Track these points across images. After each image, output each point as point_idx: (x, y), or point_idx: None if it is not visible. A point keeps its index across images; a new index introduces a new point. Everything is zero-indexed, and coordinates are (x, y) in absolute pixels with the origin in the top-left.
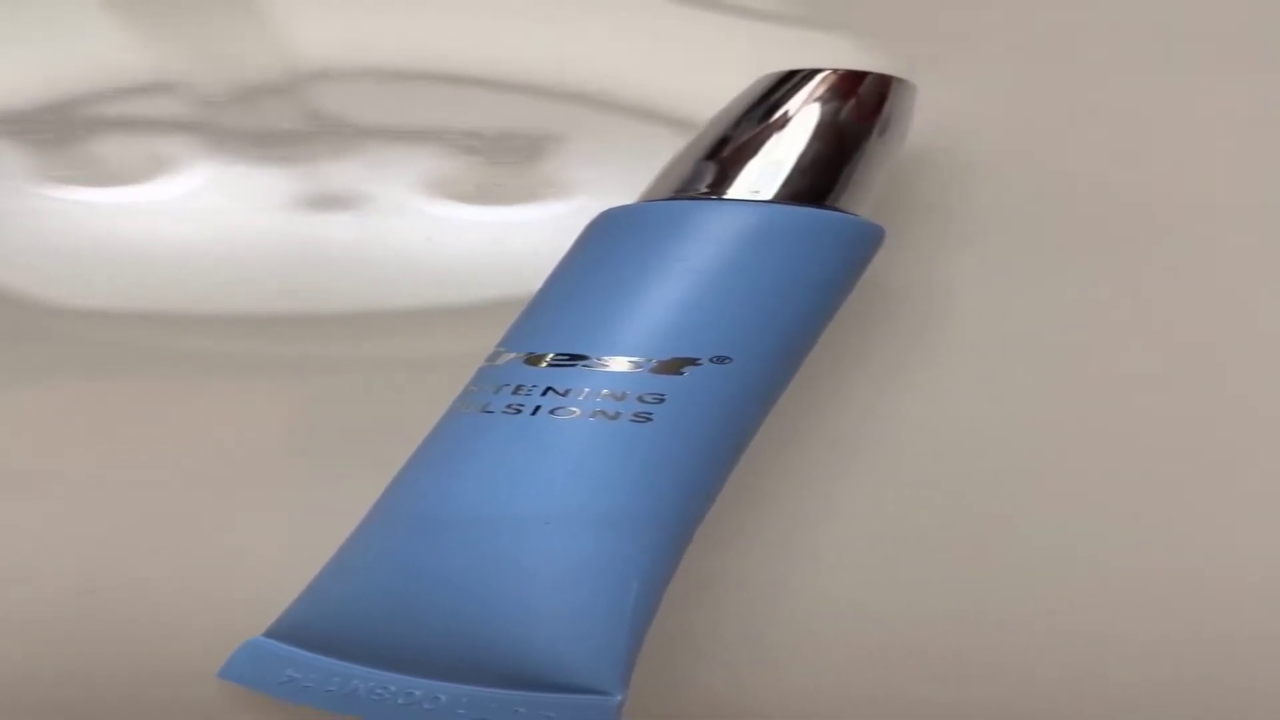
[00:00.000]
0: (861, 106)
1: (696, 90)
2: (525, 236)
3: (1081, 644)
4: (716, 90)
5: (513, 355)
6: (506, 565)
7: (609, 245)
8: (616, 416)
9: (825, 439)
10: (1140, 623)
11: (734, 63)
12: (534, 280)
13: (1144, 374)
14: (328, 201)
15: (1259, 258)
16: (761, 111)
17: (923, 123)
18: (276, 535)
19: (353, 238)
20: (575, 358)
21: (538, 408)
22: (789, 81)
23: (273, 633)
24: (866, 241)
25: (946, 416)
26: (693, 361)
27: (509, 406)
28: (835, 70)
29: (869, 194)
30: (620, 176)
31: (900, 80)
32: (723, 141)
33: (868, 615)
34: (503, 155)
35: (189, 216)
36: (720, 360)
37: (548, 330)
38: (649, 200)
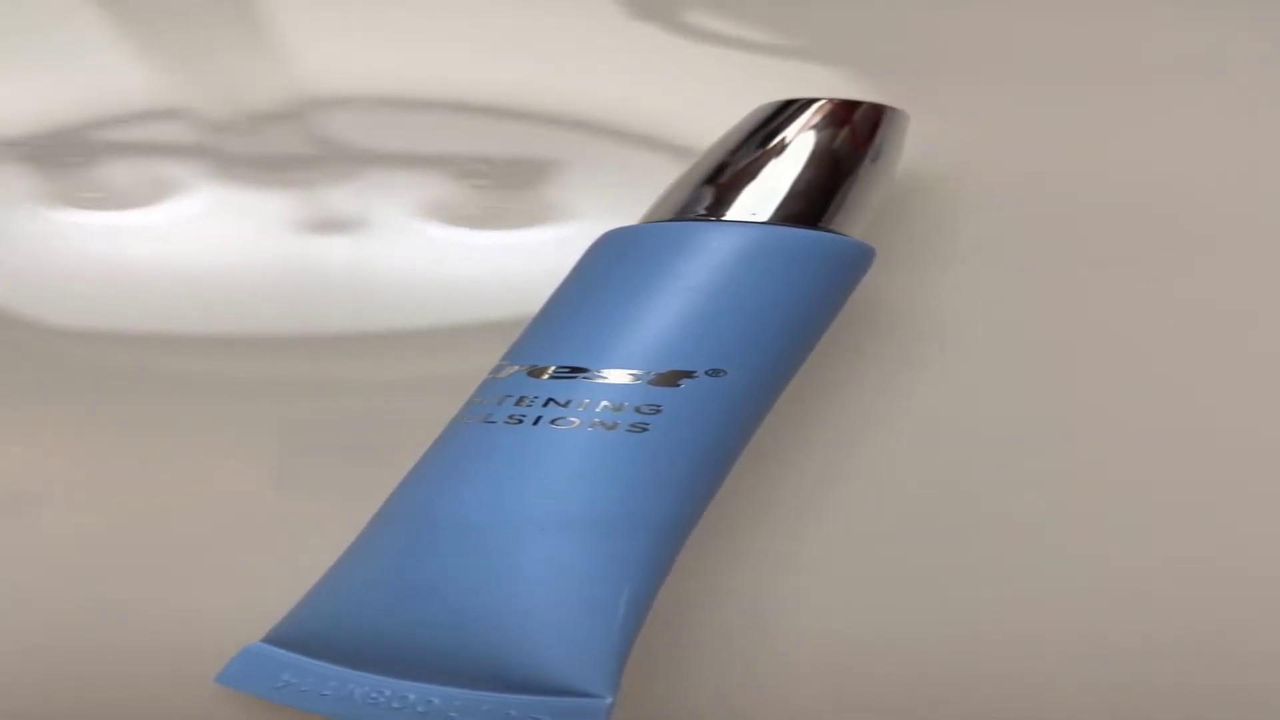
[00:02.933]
0: (855, 134)
1: (694, 118)
2: (524, 260)
3: (1079, 665)
4: (714, 118)
5: (516, 368)
6: (501, 570)
7: (611, 264)
8: (614, 427)
9: (815, 453)
10: (1135, 641)
11: (731, 92)
12: (533, 302)
13: (1134, 394)
14: (330, 225)
15: (1250, 277)
16: (759, 138)
17: (916, 149)
18: (274, 553)
19: (354, 261)
20: (576, 370)
21: (539, 418)
22: (786, 110)
23: (270, 638)
24: (857, 261)
25: (934, 432)
26: (689, 374)
27: (511, 417)
28: (830, 100)
29: (861, 217)
30: (618, 202)
31: (892, 109)
32: (721, 166)
33: (855, 632)
34: (503, 181)
35: (193, 240)
36: (715, 373)
37: (550, 344)
38: (650, 221)
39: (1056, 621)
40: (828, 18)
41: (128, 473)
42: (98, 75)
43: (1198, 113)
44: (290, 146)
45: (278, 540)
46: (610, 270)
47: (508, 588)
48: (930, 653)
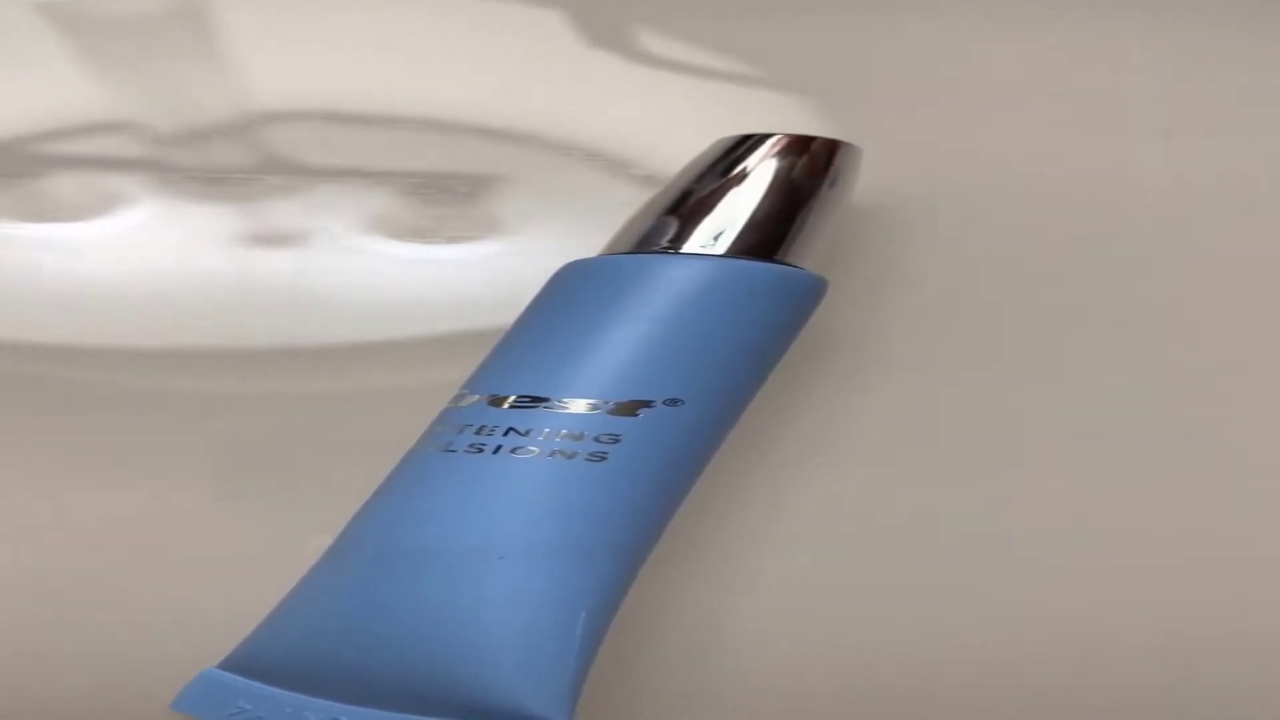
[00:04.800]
0: (810, 168)
1: (640, 136)
2: (467, 275)
3: (1027, 675)
4: (659, 136)
5: (477, 397)
6: (458, 597)
7: (571, 294)
8: (573, 456)
9: (767, 477)
10: (1087, 662)
11: (679, 112)
12: (475, 318)
13: (1078, 428)
14: (274, 240)
15: (1204, 311)
16: (717, 172)
17: (869, 181)
18: (216, 571)
19: (298, 276)
20: (537, 399)
21: (499, 447)
22: (743, 144)
23: (227, 664)
24: (810, 292)
25: (881, 456)
26: (647, 404)
27: (471, 446)
28: (787, 135)
29: (815, 249)
30: (562, 217)
31: (846, 144)
32: (680, 200)
33: (808, 650)
34: (447, 196)
35: (136, 253)
36: (673, 402)
37: (511, 373)
38: (610, 254)
39: (1012, 634)
40: (779, 44)
41: (63, 489)
42: (43, 87)
43: (1162, 142)
44: (235, 160)
45: (218, 558)
46: (570, 301)
47: (465, 615)
48: (884, 668)
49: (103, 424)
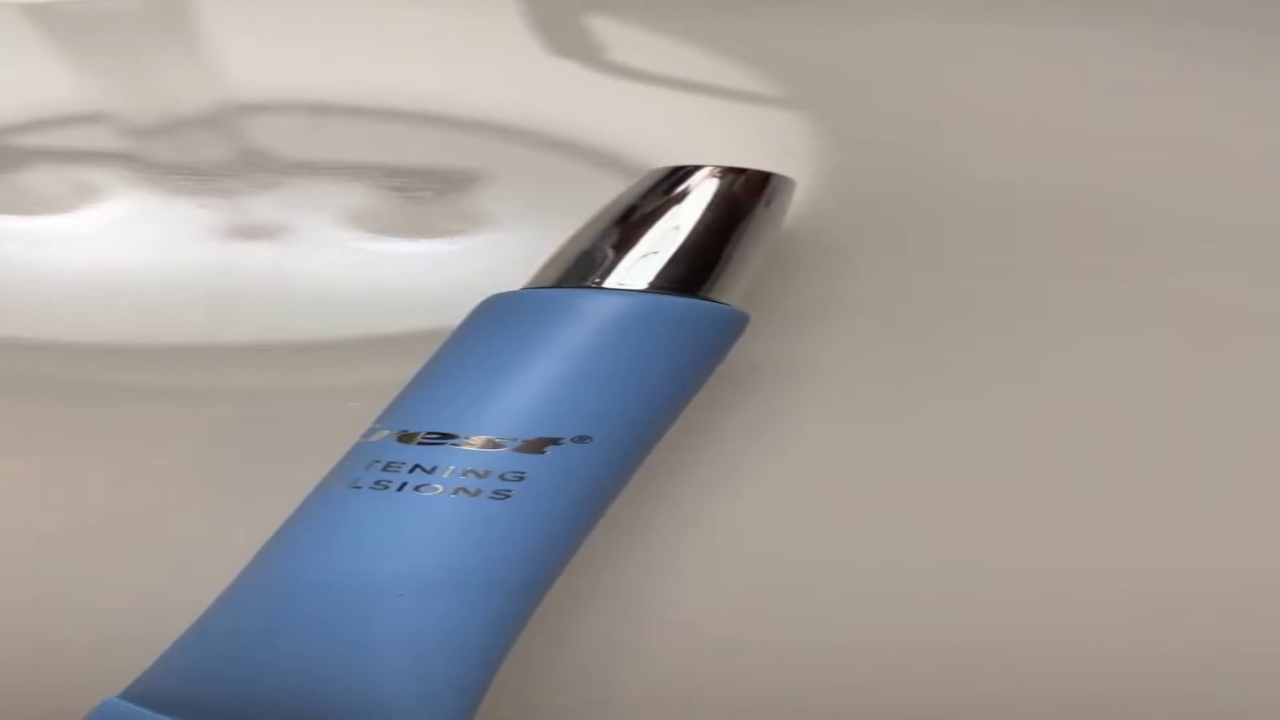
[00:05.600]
0: (740, 201)
1: (620, 132)
2: (443, 270)
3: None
4: (639, 134)
5: (387, 432)
6: (354, 635)
7: (489, 329)
8: (477, 494)
9: (680, 504)
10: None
11: (658, 107)
12: (452, 314)
13: (1010, 459)
14: (252, 233)
15: (1133, 334)
16: (645, 205)
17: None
18: (188, 564)
19: (274, 270)
20: (445, 436)
21: (404, 484)
22: (673, 176)
23: (128, 694)
24: (732, 327)
25: (802, 486)
26: (555, 441)
27: (377, 483)
28: (718, 167)
29: (740, 282)
30: (541, 213)
31: (779, 176)
32: (607, 232)
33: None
34: (427, 190)
35: (112, 247)
36: (581, 439)
37: (422, 409)
38: (532, 287)
39: (949, 640)
40: (757, 44)
41: (38, 484)
42: (20, 79)
43: (1099, 152)
44: (214, 153)
45: (190, 552)
46: (489, 335)
47: (359, 652)
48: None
49: (74, 419)
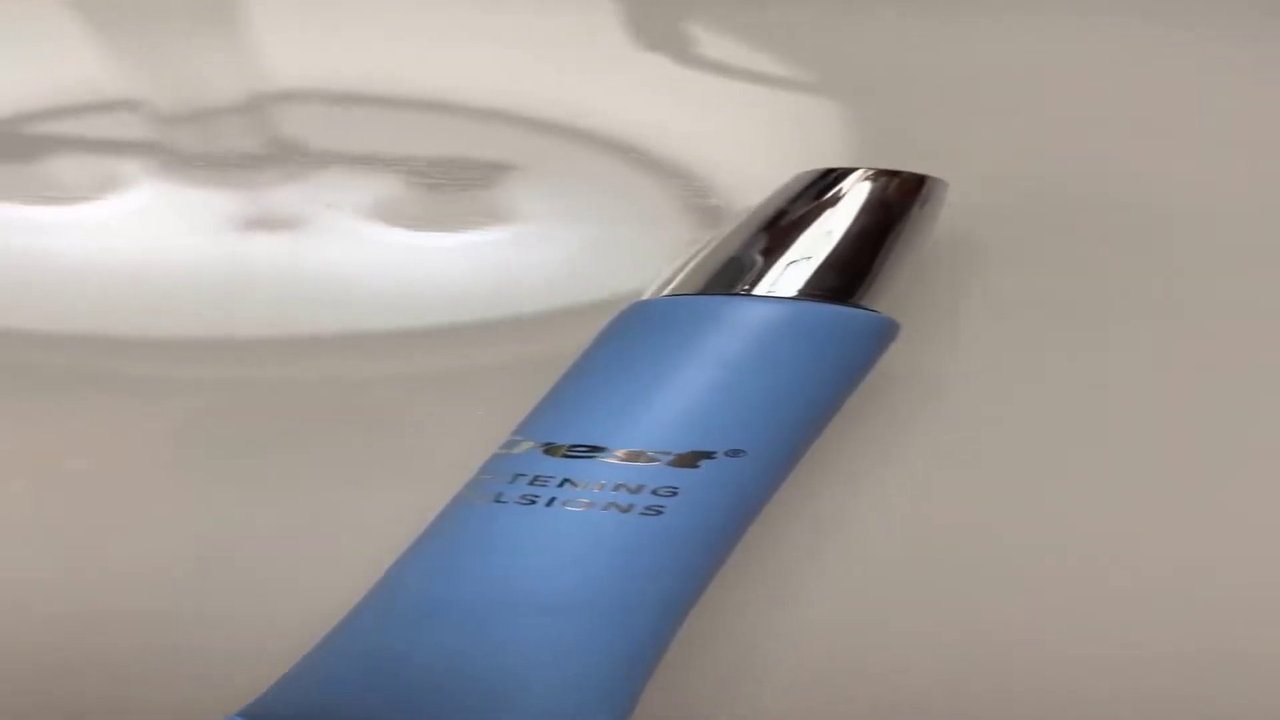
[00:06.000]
0: (894, 204)
1: (654, 125)
2: (467, 264)
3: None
4: (676, 126)
5: (531, 444)
6: (499, 654)
7: (635, 338)
8: (629, 509)
9: (809, 518)
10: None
11: (696, 100)
12: (474, 307)
13: (1137, 476)
14: (275, 225)
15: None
16: (797, 208)
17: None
18: (197, 560)
19: (296, 262)
20: (594, 449)
21: (552, 499)
22: (825, 178)
23: (250, 711)
24: (883, 337)
25: (927, 498)
26: (709, 455)
27: (524, 497)
28: (871, 169)
29: (892, 289)
30: (568, 206)
31: (933, 179)
32: (755, 237)
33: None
34: (453, 182)
35: (130, 237)
36: (734, 454)
37: (568, 420)
38: (678, 294)
39: (1058, 667)
40: (811, 38)
41: (52, 475)
42: (50, 65)
43: (1246, 160)
44: (242, 143)
45: (202, 548)
46: (633, 344)
47: (506, 671)
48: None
49: (91, 409)
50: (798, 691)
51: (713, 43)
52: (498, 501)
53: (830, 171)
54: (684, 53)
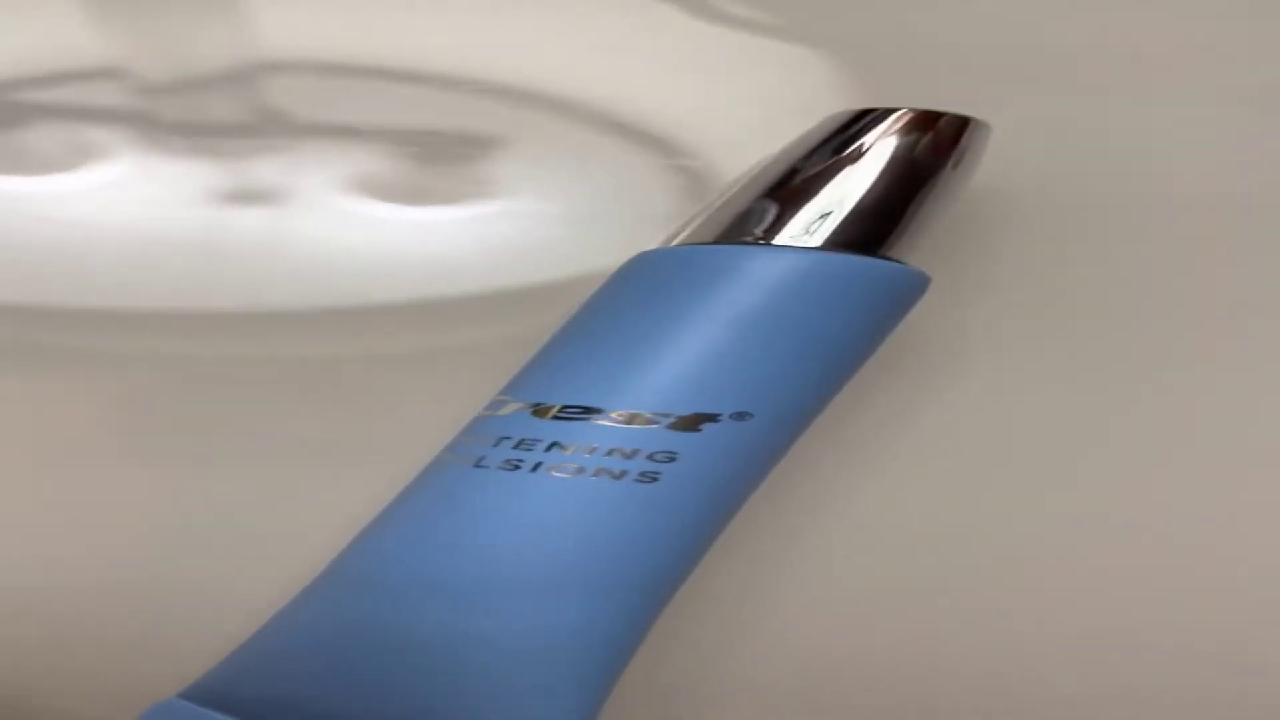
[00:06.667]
0: (931, 149)
1: (645, 97)
2: (452, 238)
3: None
4: (666, 95)
5: (519, 405)
6: (468, 630)
7: (639, 290)
8: (622, 476)
9: (818, 474)
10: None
11: (685, 68)
12: (452, 281)
13: (1160, 439)
14: (255, 197)
15: None
16: (826, 150)
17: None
18: (171, 539)
19: (277, 236)
20: (587, 410)
21: (539, 464)
22: (860, 120)
23: (191, 693)
24: (911, 291)
25: (944, 464)
26: (712, 418)
27: (507, 462)
28: (911, 110)
29: (924, 240)
30: (555, 180)
31: (977, 121)
32: (780, 182)
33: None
34: (441, 155)
35: (108, 209)
36: (741, 416)
37: (560, 378)
38: (690, 244)
39: (1060, 651)
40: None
41: (21, 453)
42: (29, 31)
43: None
44: (226, 114)
45: (171, 526)
46: (638, 297)
47: (483, 652)
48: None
49: (65, 382)
50: (781, 676)
51: (707, 8)
52: (479, 466)
53: (865, 113)
54: (678, 22)
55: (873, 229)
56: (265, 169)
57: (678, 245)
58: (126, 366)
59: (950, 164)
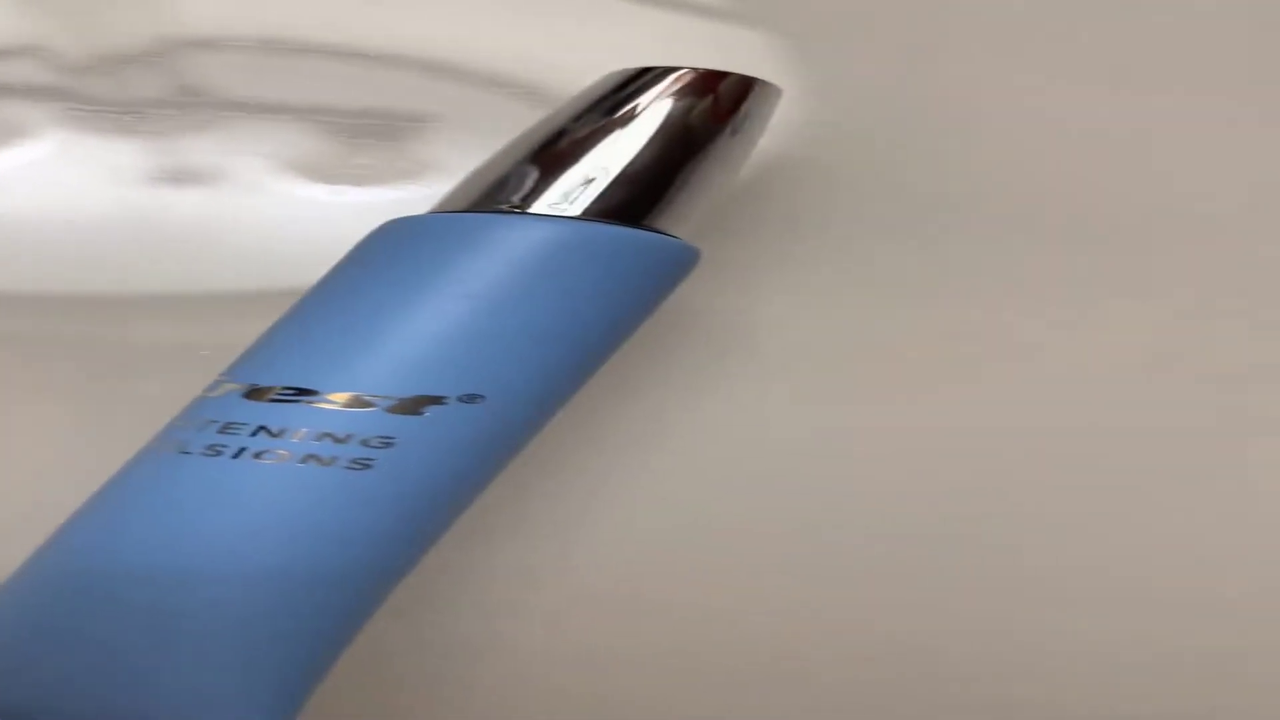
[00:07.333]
0: (710, 111)
1: (583, 76)
2: (383, 217)
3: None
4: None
5: (234, 386)
6: (163, 629)
7: (378, 262)
8: (331, 462)
9: (588, 464)
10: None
11: (628, 47)
12: None
13: (961, 411)
14: (182, 177)
15: (1119, 281)
16: (598, 112)
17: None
18: None
19: (205, 217)
20: (302, 392)
21: (242, 450)
22: (638, 79)
23: None
24: (677, 266)
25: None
26: (436, 400)
27: (210, 448)
28: (693, 69)
29: (696, 210)
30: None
31: (763, 83)
32: (544, 145)
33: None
34: (375, 135)
35: (31, 189)
36: (470, 399)
37: (280, 358)
38: (440, 211)
39: (879, 609)
40: None
41: None
42: None
43: (1100, 95)
44: (149, 91)
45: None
46: (375, 269)
47: (170, 650)
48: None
49: None
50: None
51: None
52: (182, 453)
53: (645, 71)
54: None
55: (638, 198)
56: (195, 147)
57: (427, 214)
58: (68, 354)
59: (729, 130)
